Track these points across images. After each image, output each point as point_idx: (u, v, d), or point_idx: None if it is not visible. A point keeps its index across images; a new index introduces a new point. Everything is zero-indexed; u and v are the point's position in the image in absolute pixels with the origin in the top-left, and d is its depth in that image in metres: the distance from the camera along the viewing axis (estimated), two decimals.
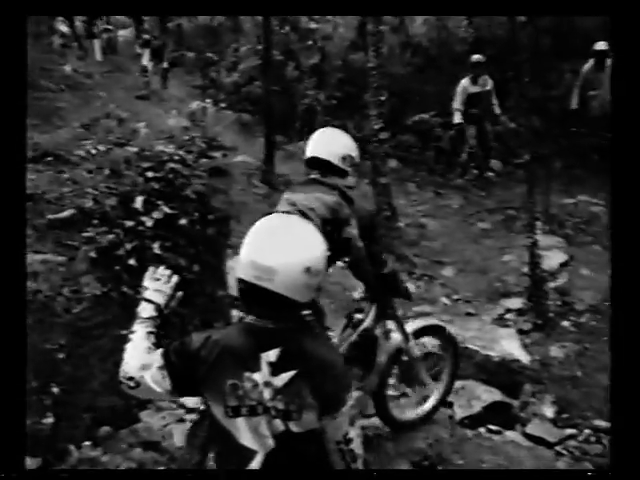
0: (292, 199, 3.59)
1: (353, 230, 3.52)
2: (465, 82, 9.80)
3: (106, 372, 3.99)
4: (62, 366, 4.01)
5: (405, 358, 4.11)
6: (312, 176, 3.71)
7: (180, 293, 2.40)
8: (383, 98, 7.48)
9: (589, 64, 9.35)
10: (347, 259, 3.63)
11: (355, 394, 3.69)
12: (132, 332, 2.23)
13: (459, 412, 4.75)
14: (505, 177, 9.86)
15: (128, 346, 2.19)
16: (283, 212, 3.35)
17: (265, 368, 2.02)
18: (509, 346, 5.54)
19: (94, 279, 4.30)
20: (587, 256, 7.30)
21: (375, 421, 4.19)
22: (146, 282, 2.35)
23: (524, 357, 5.48)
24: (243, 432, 2.05)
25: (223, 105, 11.80)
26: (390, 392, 4.26)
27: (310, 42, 11.80)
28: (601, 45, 9.11)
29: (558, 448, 4.55)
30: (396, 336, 4.05)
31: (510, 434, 4.68)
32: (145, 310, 2.28)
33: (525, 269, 6.50)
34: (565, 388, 5.23)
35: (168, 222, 4.65)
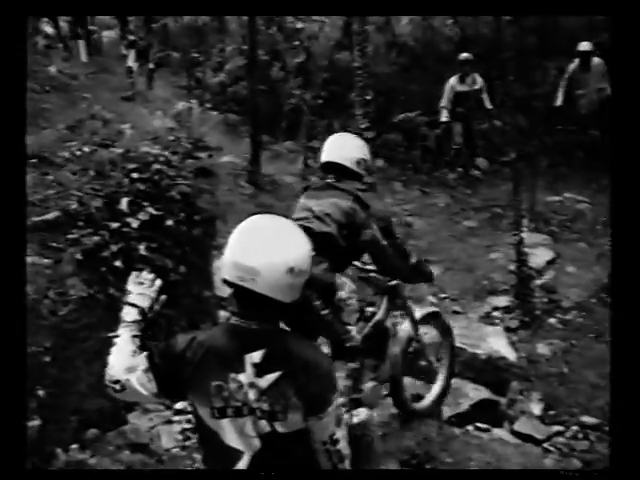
0: (308, 205, 3.65)
1: (374, 232, 3.59)
2: (453, 80, 9.84)
3: (93, 374, 3.98)
4: (48, 369, 3.99)
5: (414, 346, 4.33)
6: (327, 181, 3.77)
7: (164, 296, 2.40)
8: (369, 97, 7.46)
9: (574, 64, 9.39)
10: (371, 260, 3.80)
11: (369, 385, 3.89)
12: (116, 336, 2.23)
13: (447, 410, 4.76)
14: (491, 175, 9.90)
15: (113, 350, 2.20)
16: (298, 218, 3.49)
17: (249, 369, 2.02)
18: (496, 344, 5.57)
19: (80, 281, 4.28)
20: (573, 253, 7.35)
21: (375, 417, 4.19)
22: (130, 286, 2.36)
23: (511, 355, 5.52)
24: (229, 433, 2.05)
25: (209, 105, 11.76)
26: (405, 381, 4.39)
27: (296, 42, 11.77)
28: (585, 45, 9.17)
29: (546, 445, 4.59)
30: (406, 326, 4.24)
31: (498, 432, 4.71)
32: (129, 314, 2.29)
33: (511, 267, 6.55)
34: (552, 385, 5.26)
35: (154, 223, 4.65)
